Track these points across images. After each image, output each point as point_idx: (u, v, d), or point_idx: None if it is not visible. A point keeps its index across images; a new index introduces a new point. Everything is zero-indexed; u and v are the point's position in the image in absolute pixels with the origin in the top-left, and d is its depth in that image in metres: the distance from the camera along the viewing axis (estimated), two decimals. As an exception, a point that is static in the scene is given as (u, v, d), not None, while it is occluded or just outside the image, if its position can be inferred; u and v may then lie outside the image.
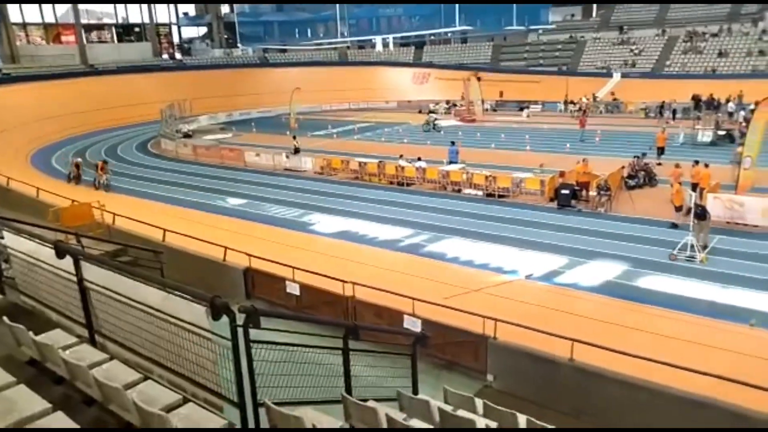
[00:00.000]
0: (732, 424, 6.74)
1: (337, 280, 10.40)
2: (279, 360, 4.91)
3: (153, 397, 3.99)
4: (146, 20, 61.81)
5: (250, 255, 11.94)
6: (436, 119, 38.62)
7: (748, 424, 6.61)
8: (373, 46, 68.88)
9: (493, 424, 5.34)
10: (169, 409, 3.91)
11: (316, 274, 10.77)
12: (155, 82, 49.56)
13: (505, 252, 14.72)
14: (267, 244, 15.18)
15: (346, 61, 63.62)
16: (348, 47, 66.96)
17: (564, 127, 34.86)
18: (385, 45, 68.46)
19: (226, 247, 12.39)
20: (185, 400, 4.09)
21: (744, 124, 25.50)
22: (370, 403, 5.21)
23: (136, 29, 61.99)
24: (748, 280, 12.22)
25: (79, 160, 25.40)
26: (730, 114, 32.49)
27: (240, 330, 4.08)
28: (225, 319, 3.83)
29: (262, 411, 4.40)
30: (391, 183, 23.17)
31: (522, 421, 6.00)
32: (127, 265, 9.02)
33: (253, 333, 4.30)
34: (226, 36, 69.21)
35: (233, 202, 21.32)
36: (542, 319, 9.63)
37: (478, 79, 42.30)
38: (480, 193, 20.72)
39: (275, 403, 4.43)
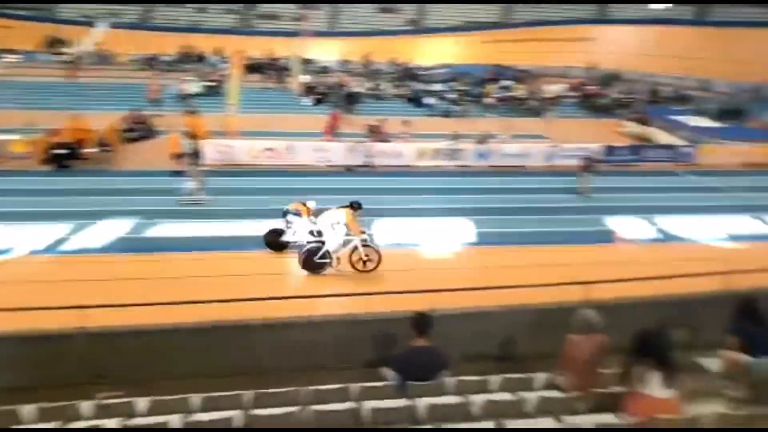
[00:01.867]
0: (240, 337, 7.82)
1: None
2: None
3: None
4: None
5: None
6: None
7: (248, 331, 7.82)
8: None
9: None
10: None
11: None
12: None
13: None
14: None
15: None
16: None
17: (50, 80, 31.06)
18: None
19: None
20: None
21: (224, 75, 28.58)
22: None
23: None
24: (243, 213, 14.06)
25: None
26: (213, 66, 35.80)
27: None
28: None
29: None
30: None
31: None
32: None
33: None
34: None
35: None
36: (48, 295, 8.61)
37: None
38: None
39: None
